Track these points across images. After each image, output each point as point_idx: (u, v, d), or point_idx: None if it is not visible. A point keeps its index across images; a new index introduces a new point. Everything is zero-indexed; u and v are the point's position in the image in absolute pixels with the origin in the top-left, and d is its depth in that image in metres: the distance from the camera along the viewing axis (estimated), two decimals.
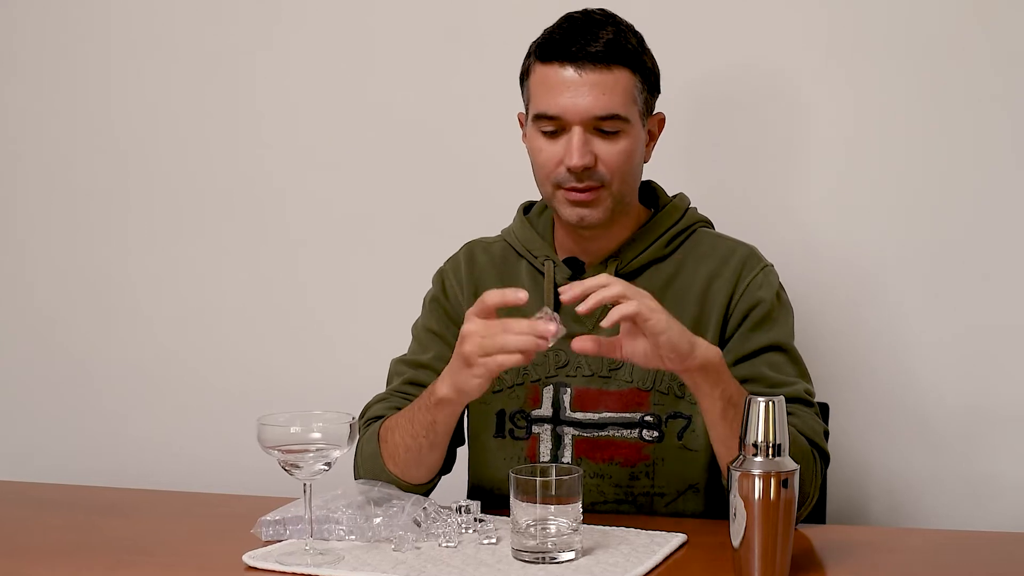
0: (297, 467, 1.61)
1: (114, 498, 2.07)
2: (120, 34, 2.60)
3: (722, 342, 1.86)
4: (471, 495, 1.96)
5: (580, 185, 1.80)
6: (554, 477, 1.58)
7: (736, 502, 1.52)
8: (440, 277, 2.01)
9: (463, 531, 1.70)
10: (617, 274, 1.86)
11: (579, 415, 1.88)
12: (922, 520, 2.24)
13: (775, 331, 1.86)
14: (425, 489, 1.85)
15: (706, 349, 1.66)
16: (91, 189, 2.65)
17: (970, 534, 1.91)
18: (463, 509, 1.72)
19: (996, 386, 2.22)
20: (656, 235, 1.90)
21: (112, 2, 2.60)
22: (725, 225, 1.99)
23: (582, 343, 1.63)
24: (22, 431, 2.71)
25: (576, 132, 1.79)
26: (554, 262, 1.91)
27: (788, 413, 1.57)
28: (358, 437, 1.84)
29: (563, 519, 1.59)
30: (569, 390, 1.88)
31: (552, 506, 1.58)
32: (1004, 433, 2.22)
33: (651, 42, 1.86)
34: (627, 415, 1.86)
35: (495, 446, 1.92)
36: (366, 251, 2.50)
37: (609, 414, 1.87)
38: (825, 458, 1.81)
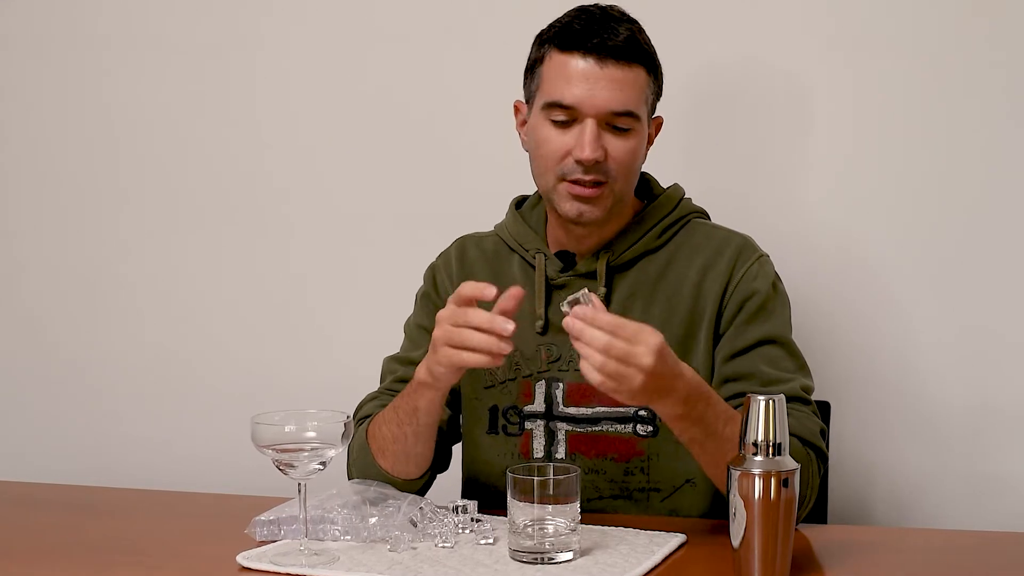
0: (292, 466, 1.60)
1: (108, 498, 2.06)
2: (113, 28, 2.59)
3: (716, 336, 1.84)
4: (465, 491, 1.94)
5: (586, 178, 1.78)
6: (552, 477, 1.57)
7: (736, 502, 1.51)
8: (431, 273, 1.99)
9: (460, 531, 1.69)
10: (609, 266, 1.85)
11: (572, 410, 1.86)
12: (924, 520, 2.23)
13: (771, 323, 1.83)
14: (419, 487, 1.84)
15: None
16: (86, 187, 2.63)
17: (973, 534, 1.89)
18: (460, 509, 1.70)
19: (1000, 384, 2.21)
20: (648, 226, 1.88)
21: None
22: (725, 221, 1.97)
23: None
24: (15, 430, 2.70)
25: (589, 124, 1.77)
26: (545, 255, 1.89)
27: None
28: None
29: (561, 519, 1.58)
30: (562, 385, 1.86)
31: (550, 506, 1.57)
32: (1008, 432, 2.21)
33: (651, 36, 1.85)
34: (621, 410, 1.83)
35: (488, 442, 1.90)
36: (362, 249, 2.49)
37: (602, 409, 1.84)
38: (823, 457, 1.79)
